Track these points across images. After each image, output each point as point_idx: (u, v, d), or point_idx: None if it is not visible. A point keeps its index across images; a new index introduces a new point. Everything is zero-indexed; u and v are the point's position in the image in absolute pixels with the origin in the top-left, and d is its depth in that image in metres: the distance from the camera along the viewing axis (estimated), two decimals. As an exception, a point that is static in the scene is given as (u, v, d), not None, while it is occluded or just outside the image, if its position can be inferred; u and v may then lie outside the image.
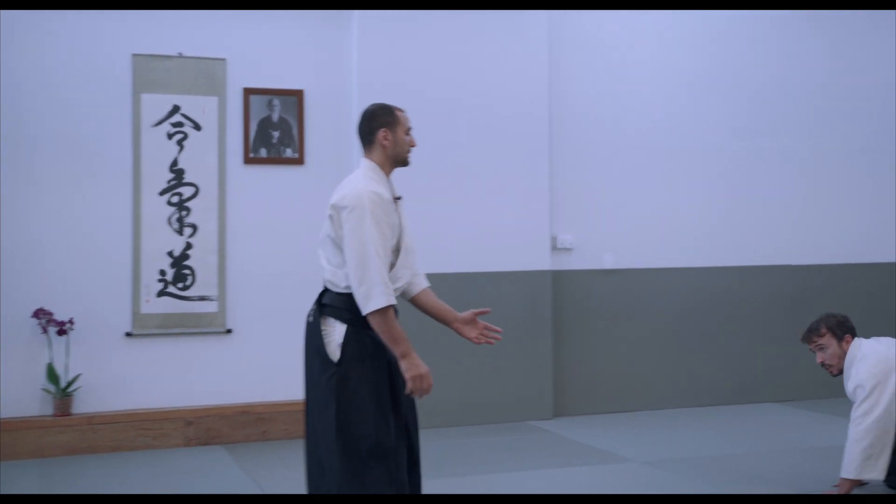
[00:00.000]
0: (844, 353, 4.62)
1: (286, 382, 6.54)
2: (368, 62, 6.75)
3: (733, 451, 6.12)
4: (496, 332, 3.72)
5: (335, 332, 3.41)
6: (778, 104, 7.94)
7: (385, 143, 3.53)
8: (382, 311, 3.29)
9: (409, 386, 3.34)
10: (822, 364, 4.70)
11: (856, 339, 4.65)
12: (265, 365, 6.64)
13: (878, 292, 8.15)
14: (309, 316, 3.53)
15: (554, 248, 7.30)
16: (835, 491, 4.67)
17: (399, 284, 3.50)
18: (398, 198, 3.54)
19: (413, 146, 3.60)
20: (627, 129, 7.55)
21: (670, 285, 7.65)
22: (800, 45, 8.00)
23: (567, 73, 7.36)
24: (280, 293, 6.70)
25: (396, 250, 3.46)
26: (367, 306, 3.30)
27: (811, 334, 4.70)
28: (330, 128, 6.81)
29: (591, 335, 7.44)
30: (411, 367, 3.33)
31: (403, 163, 3.60)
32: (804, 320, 7.78)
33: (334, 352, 3.38)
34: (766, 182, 7.93)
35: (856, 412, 4.55)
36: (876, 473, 4.47)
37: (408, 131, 3.58)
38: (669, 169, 7.67)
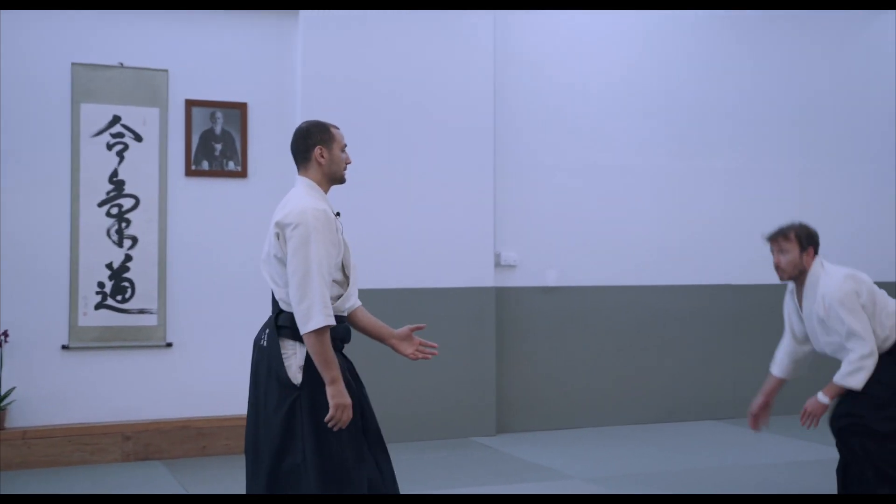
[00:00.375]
0: (800, 264, 4.56)
1: (227, 397, 6.46)
2: (312, 76, 6.73)
3: (675, 468, 6.16)
4: (432, 347, 3.72)
5: (295, 355, 3.34)
6: (715, 123, 8.04)
7: (321, 160, 3.49)
8: (320, 332, 3.25)
9: (331, 414, 3.28)
10: (777, 267, 4.64)
11: (818, 256, 4.60)
12: (206, 379, 6.56)
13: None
14: (261, 339, 3.44)
15: (498, 264, 7.31)
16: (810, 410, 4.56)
17: (350, 303, 3.49)
18: (337, 214, 3.50)
19: (349, 163, 3.58)
20: (571, 147, 7.61)
21: (613, 303, 7.71)
22: (731, 64, 8.10)
23: (511, 91, 7.40)
24: (221, 307, 6.63)
25: (342, 269, 3.43)
26: (306, 325, 3.25)
27: (779, 235, 4.63)
28: (273, 141, 6.77)
29: (535, 352, 7.46)
30: (337, 395, 3.28)
31: (340, 180, 3.57)
32: (745, 339, 8.00)
33: (295, 375, 3.32)
34: (706, 202, 8.03)
35: (839, 327, 4.46)
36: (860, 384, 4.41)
37: (343, 148, 3.56)
38: (612, 187, 7.73)
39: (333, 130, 3.54)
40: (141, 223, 6.45)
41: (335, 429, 3.29)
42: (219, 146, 6.65)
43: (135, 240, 6.44)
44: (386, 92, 6.91)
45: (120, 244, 6.41)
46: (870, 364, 4.38)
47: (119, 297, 6.40)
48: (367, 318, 3.67)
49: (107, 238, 6.39)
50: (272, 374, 3.35)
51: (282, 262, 3.34)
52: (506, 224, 7.37)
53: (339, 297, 3.42)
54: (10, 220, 6.24)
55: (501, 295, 7.31)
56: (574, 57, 7.65)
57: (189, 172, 6.59)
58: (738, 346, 7.99)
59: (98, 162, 6.37)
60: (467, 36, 7.12)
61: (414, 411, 6.93)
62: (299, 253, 3.26)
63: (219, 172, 6.65)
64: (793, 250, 4.57)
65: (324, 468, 3.28)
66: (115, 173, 6.41)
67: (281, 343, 3.36)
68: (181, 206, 6.58)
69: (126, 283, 6.42)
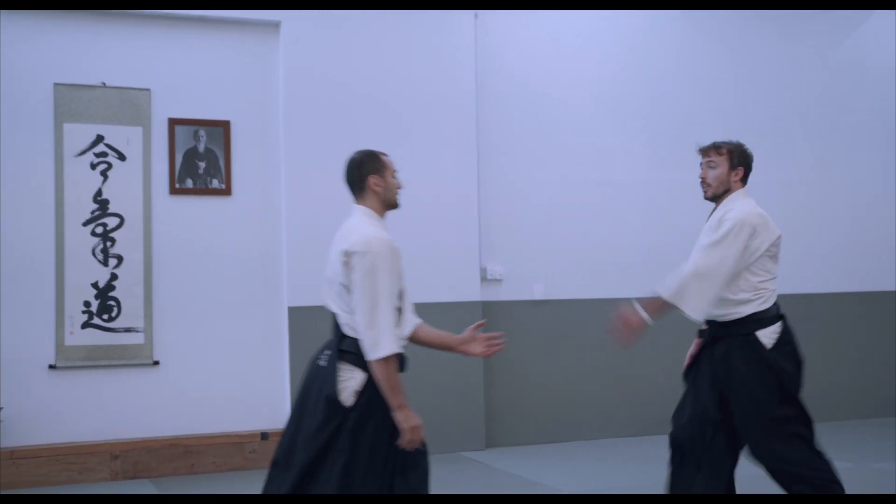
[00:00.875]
0: (727, 182, 4.29)
1: (215, 414, 6.46)
2: (294, 92, 6.78)
3: (664, 481, 6.14)
4: (499, 337, 3.87)
5: (353, 379, 3.40)
6: (700, 134, 8.01)
7: (377, 189, 3.61)
8: (388, 360, 3.35)
9: (407, 437, 3.40)
10: (703, 181, 4.36)
11: (745, 187, 4.33)
12: (193, 397, 6.56)
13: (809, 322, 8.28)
14: (319, 359, 3.51)
15: (484, 278, 7.33)
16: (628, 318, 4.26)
17: (408, 328, 3.65)
18: None
19: (400, 188, 3.70)
20: (555, 159, 7.65)
21: (600, 316, 7.69)
22: (717, 73, 8.16)
23: (494, 103, 7.45)
24: (207, 324, 6.64)
25: (400, 296, 3.53)
26: (375, 353, 3.34)
27: (711, 148, 4.35)
28: (257, 158, 6.80)
29: (523, 366, 7.47)
30: (409, 419, 3.41)
31: (394, 205, 3.70)
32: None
33: (348, 398, 3.38)
34: (692, 213, 8.01)
35: (707, 238, 4.23)
36: (686, 306, 4.15)
37: (394, 174, 3.66)
38: (597, 200, 7.76)
39: (384, 158, 3.65)
40: (126, 242, 6.47)
41: (411, 449, 3.42)
42: (202, 164, 6.68)
43: (120, 258, 6.46)
44: (367, 106, 6.95)
45: (105, 263, 6.43)
46: (695, 288, 4.07)
47: (105, 316, 6.41)
48: (430, 332, 3.88)
49: (92, 257, 6.40)
50: (323, 393, 3.40)
51: (347, 289, 3.42)
52: (491, 238, 7.40)
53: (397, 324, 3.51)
54: (-4, 240, 6.26)
55: (488, 309, 7.32)
56: (558, 68, 7.70)
57: (173, 191, 6.62)
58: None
59: (82, 181, 6.40)
60: (449, 50, 7.17)
61: (402, 426, 6.91)
62: (366, 281, 3.36)
63: (203, 190, 6.67)
64: (722, 165, 4.30)
65: (343, 485, 3.34)
66: (99, 192, 6.44)
67: (340, 366, 3.42)
68: (166, 224, 6.59)
69: (112, 302, 6.43)
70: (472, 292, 7.19)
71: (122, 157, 6.50)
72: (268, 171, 6.82)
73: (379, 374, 3.36)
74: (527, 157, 7.57)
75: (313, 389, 3.47)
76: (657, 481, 6.04)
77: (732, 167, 4.31)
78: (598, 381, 7.66)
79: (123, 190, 6.49)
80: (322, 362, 3.47)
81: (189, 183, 6.66)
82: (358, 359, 3.39)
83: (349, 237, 3.47)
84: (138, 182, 6.52)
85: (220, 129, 6.71)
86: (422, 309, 6.95)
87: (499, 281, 7.42)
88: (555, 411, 7.53)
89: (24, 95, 6.34)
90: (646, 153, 7.93)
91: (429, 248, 7.03)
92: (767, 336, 4.11)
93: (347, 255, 3.41)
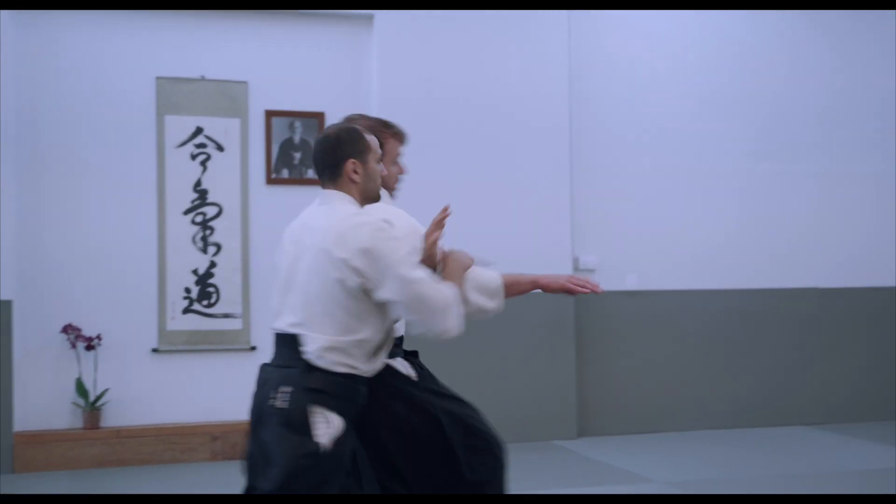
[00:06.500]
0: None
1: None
2: (387, 82, 6.85)
3: (760, 473, 6.06)
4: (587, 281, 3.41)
5: (330, 426, 2.87)
6: (799, 125, 7.89)
7: (354, 177, 2.98)
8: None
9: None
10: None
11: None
12: (288, 382, 6.68)
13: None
14: (272, 398, 2.87)
15: (576, 269, 7.30)
16: None
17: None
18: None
19: (386, 174, 3.16)
20: (649, 149, 7.57)
21: (693, 307, 7.62)
22: (813, 64, 7.95)
23: (588, 94, 7.41)
24: (302, 311, 6.75)
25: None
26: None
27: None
28: (351, 149, 6.89)
29: (615, 355, 7.43)
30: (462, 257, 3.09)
31: (376, 198, 3.09)
32: (833, 343, 7.83)
33: (326, 446, 2.82)
34: (790, 204, 7.88)
35: None
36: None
37: (380, 159, 3.07)
38: (692, 191, 7.66)
39: (368, 139, 3.01)
40: (224, 230, 6.64)
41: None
42: (298, 155, 6.81)
43: (219, 246, 6.63)
44: (461, 95, 6.98)
45: (205, 251, 6.61)
46: None
47: (205, 302, 6.60)
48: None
49: (192, 245, 6.59)
50: (289, 451, 2.78)
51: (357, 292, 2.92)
52: (584, 228, 7.36)
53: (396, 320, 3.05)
54: (101, 229, 6.49)
55: (580, 299, 7.28)
56: (652, 57, 7.61)
57: (269, 181, 6.76)
58: (824, 350, 7.83)
59: (182, 171, 6.59)
60: (542, 38, 7.14)
61: (495, 414, 6.86)
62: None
63: (298, 180, 6.80)
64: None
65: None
66: (198, 182, 6.62)
67: (312, 409, 2.80)
68: (262, 213, 6.74)
69: (211, 289, 6.61)
70: (564, 282, 7.15)
71: (220, 147, 6.67)
72: (361, 161, 6.90)
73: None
74: (621, 147, 7.51)
75: (273, 439, 2.80)
76: (749, 473, 5.96)
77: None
78: (692, 373, 7.57)
79: (222, 180, 6.66)
80: (279, 403, 2.81)
81: (285, 173, 6.80)
82: (332, 400, 2.80)
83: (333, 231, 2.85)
84: (236, 172, 6.69)
85: (315, 121, 6.82)
86: (513, 299, 6.99)
87: (591, 271, 7.39)
88: (647, 402, 7.47)
89: (127, 89, 6.56)
90: (742, 144, 7.78)
91: (521, 238, 7.03)
92: None
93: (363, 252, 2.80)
